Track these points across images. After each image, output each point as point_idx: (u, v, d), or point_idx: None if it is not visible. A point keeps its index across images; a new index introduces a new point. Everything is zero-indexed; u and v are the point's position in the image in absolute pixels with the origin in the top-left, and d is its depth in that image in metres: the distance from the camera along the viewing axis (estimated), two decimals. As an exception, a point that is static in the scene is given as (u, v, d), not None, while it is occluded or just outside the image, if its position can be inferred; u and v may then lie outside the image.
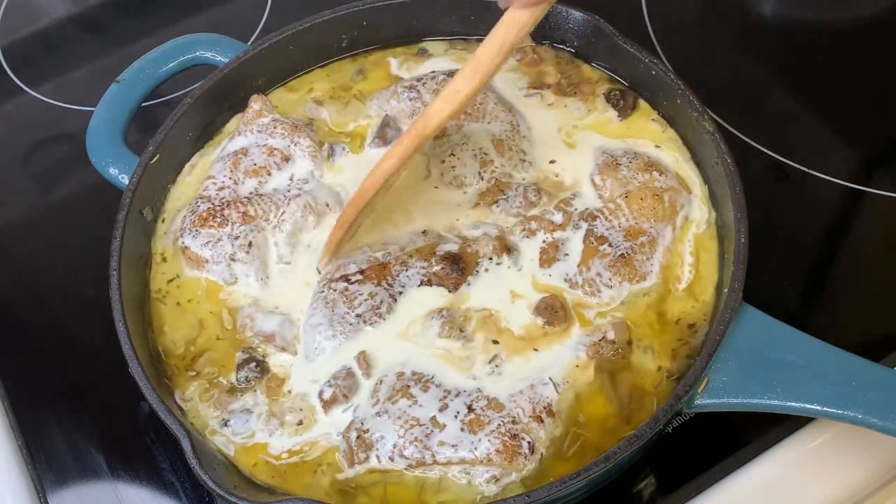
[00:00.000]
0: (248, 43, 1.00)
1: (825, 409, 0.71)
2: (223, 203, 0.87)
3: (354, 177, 0.89)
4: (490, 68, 0.75)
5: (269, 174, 0.90)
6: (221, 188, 0.88)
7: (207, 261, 0.85)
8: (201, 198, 0.88)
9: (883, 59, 1.12)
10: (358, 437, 0.76)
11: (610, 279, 0.82)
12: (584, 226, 0.84)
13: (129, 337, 0.78)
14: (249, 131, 0.92)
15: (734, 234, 0.79)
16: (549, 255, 0.84)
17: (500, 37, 0.74)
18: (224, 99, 0.96)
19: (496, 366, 0.78)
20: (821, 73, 1.11)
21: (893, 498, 0.83)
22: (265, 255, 0.86)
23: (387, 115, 0.93)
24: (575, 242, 0.84)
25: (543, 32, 0.98)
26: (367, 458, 0.75)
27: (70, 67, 1.23)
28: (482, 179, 0.89)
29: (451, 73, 0.93)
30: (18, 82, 1.22)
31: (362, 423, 0.76)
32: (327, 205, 0.88)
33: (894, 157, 1.05)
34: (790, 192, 1.00)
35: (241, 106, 0.97)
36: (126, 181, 0.88)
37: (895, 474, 0.81)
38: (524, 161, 0.90)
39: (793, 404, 0.71)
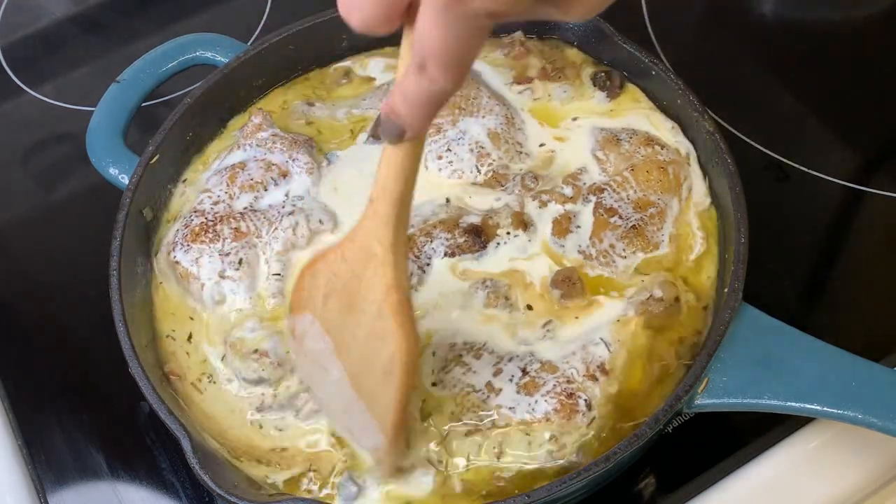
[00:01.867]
0: (248, 43, 1.00)
1: (825, 409, 0.71)
2: (217, 218, 0.86)
3: (350, 193, 0.88)
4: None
5: (266, 189, 0.88)
6: (217, 202, 0.87)
7: (197, 277, 0.84)
8: (195, 211, 0.87)
9: (883, 59, 1.12)
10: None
11: (623, 250, 0.82)
12: (593, 199, 0.85)
13: (129, 337, 0.78)
14: (249, 145, 0.91)
15: (734, 235, 0.79)
16: (563, 227, 0.84)
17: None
18: (224, 99, 0.96)
19: (548, 330, 0.79)
20: (821, 73, 1.11)
21: (893, 498, 0.83)
22: (255, 272, 0.85)
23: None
24: (586, 215, 0.84)
25: (542, 32, 0.98)
26: (426, 429, 0.75)
27: (70, 67, 1.23)
28: (480, 173, 0.89)
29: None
30: (18, 82, 1.22)
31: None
32: (321, 221, 0.86)
33: (894, 157, 1.05)
34: (790, 192, 1.00)
35: (241, 107, 0.97)
36: (126, 181, 0.88)
37: (895, 474, 0.81)
38: (521, 153, 0.90)
39: (793, 404, 0.71)
